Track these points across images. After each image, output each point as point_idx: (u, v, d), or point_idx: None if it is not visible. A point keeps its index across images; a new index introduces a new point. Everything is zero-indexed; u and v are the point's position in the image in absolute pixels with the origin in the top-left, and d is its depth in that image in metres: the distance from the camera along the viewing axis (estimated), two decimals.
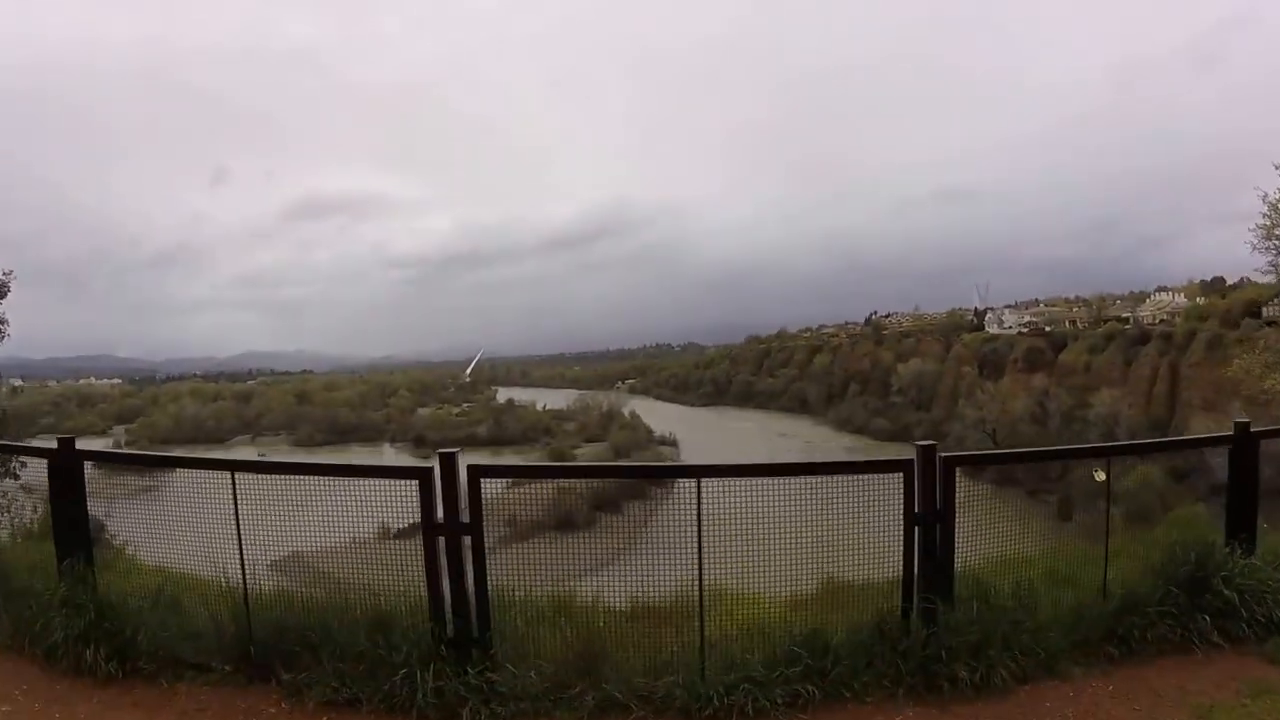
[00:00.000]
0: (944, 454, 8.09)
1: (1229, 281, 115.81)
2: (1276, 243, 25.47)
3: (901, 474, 8.02)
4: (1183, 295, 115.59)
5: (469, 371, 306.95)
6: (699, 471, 8.32)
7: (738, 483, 8.53)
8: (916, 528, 8.09)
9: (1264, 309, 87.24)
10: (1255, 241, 26.09)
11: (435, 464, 8.41)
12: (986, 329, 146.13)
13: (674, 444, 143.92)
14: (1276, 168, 25.01)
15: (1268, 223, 25.36)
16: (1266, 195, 25.77)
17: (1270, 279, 27.81)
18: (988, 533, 8.77)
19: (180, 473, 10.86)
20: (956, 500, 8.27)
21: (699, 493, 8.10)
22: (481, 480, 8.40)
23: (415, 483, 8.67)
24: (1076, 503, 72.62)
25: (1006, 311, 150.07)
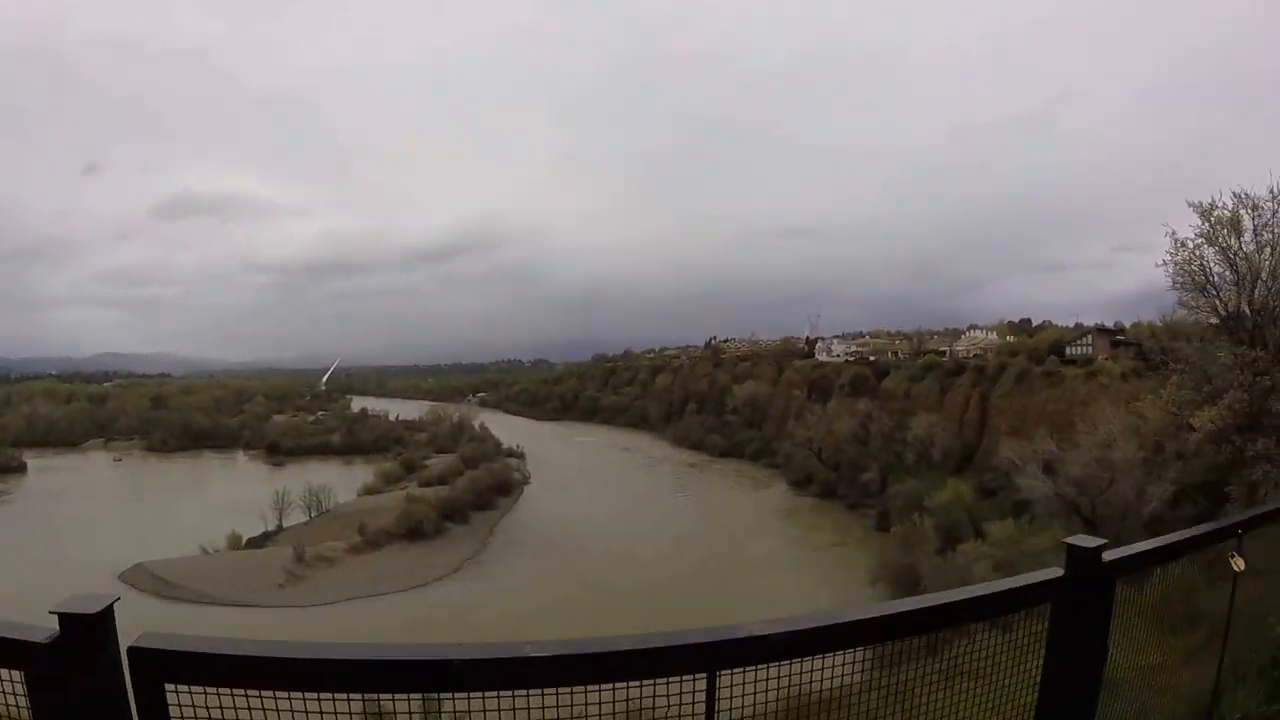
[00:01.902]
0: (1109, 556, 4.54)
1: (1034, 322, 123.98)
2: (1186, 278, 27.21)
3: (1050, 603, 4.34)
4: (994, 333, 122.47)
5: (325, 380, 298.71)
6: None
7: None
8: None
9: (1066, 349, 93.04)
10: (1170, 276, 27.76)
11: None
12: (817, 356, 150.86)
13: (521, 456, 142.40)
14: (1189, 204, 26.94)
15: (1178, 258, 27.07)
16: (1174, 233, 27.59)
17: (1185, 313, 29.44)
18: None
19: None
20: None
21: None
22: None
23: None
24: (894, 516, 76.03)
25: (835, 341, 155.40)
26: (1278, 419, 25.33)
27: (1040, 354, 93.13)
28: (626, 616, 62.06)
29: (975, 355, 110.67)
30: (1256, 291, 25.95)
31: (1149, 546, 5.17)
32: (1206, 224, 26.56)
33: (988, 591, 4.19)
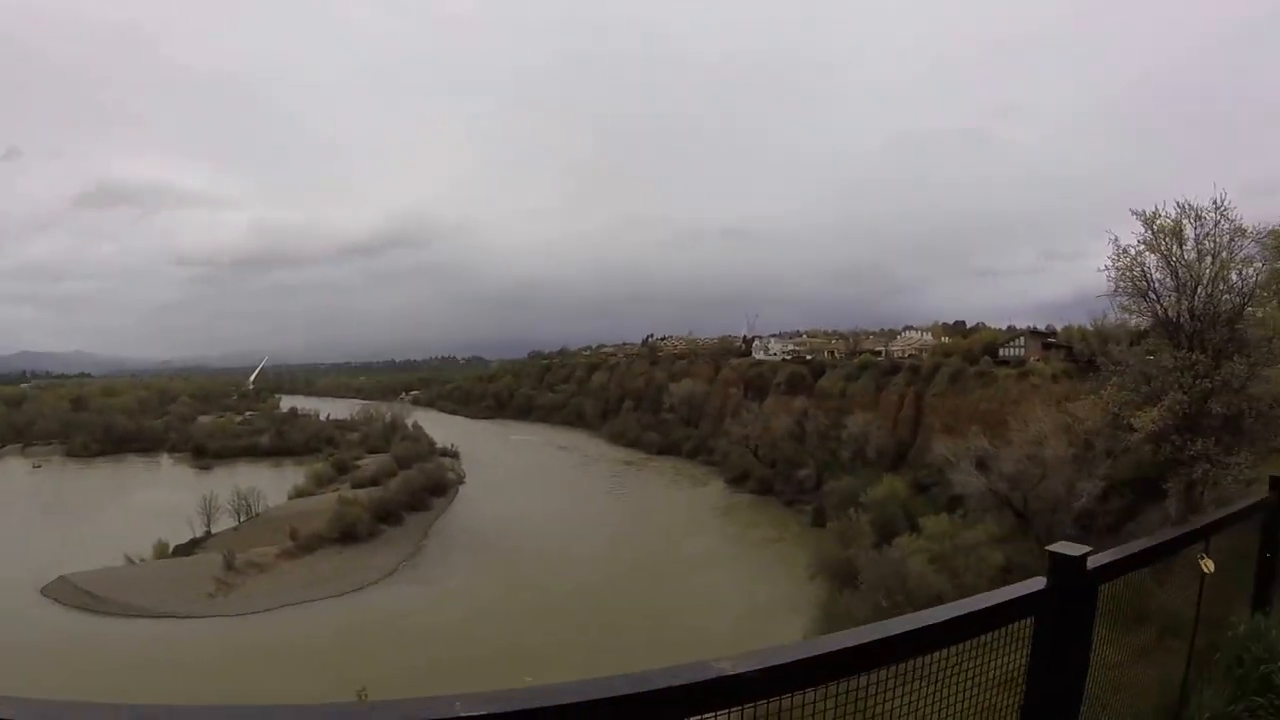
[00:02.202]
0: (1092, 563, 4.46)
1: (968, 325, 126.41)
2: (1128, 283, 27.89)
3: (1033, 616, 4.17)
4: (929, 334, 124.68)
5: (253, 379, 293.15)
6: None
7: None
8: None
9: (1000, 350, 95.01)
10: (1113, 280, 28.41)
11: None
12: (754, 355, 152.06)
13: (456, 455, 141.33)
14: (1132, 212, 27.62)
15: (1120, 264, 27.73)
16: (1117, 239, 28.29)
17: (1129, 316, 30.08)
18: None
19: None
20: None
21: None
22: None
23: None
24: (830, 512, 77.03)
25: (772, 340, 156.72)
26: (1216, 420, 26.24)
27: (974, 355, 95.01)
28: (564, 617, 62.00)
29: (910, 355, 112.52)
30: (1197, 297, 26.82)
31: (1129, 552, 5.19)
32: (1149, 231, 27.36)
33: (970, 610, 3.87)
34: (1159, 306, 27.80)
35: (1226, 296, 26.87)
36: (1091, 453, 56.32)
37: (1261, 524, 7.69)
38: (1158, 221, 27.28)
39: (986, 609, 3.96)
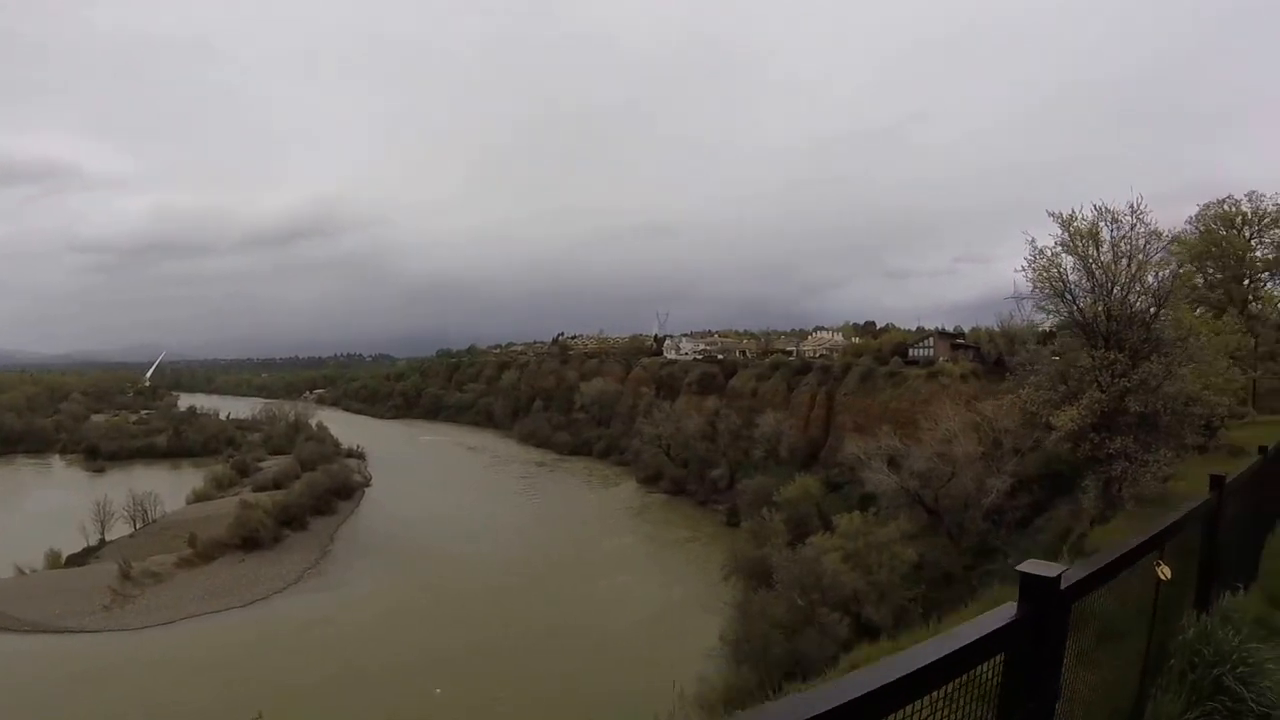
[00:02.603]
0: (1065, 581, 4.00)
1: (878, 325, 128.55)
2: (1045, 284, 28.06)
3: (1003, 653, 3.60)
4: (840, 334, 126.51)
5: (149, 375, 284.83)
6: None
7: None
8: None
9: (910, 350, 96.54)
10: (1031, 281, 28.57)
11: None
12: (665, 354, 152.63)
13: (362, 456, 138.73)
14: (1049, 214, 27.80)
15: (1037, 264, 27.90)
16: (1034, 240, 28.44)
17: (1043, 316, 30.24)
18: None
19: None
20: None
21: None
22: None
23: None
24: (744, 511, 77.16)
25: (684, 339, 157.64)
26: (1133, 418, 26.62)
27: (884, 355, 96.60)
28: (476, 621, 61.05)
29: (821, 355, 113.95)
30: (1113, 298, 27.17)
31: (1098, 565, 4.85)
32: (1065, 233, 27.65)
33: (932, 659, 3.00)
34: (1075, 307, 28.10)
35: (1142, 298, 27.27)
36: (1000, 450, 57.54)
37: (1202, 524, 7.88)
38: (1074, 224, 27.58)
39: (952, 654, 3.16)
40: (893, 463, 60.99)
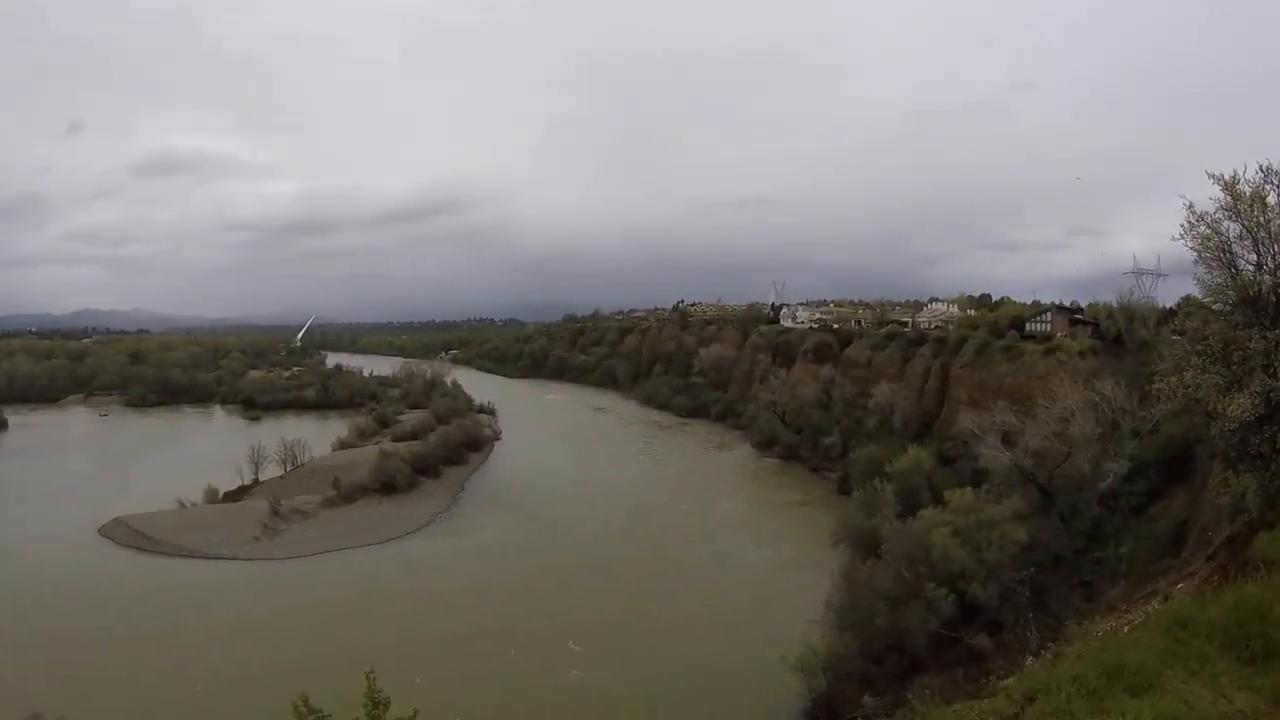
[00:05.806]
0: None
1: (993, 298, 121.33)
2: (1210, 253, 23.63)
3: None
4: (955, 306, 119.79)
5: (300, 336, 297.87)
6: None
7: None
8: None
9: (1026, 324, 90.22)
10: (1196, 250, 24.18)
11: None
12: (781, 322, 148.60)
13: (492, 412, 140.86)
14: (1209, 175, 23.28)
15: (1198, 232, 23.47)
16: (1191, 204, 23.96)
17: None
18: None
19: None
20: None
21: None
22: None
23: None
24: (855, 480, 73.31)
25: (800, 308, 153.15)
26: None
27: (1000, 328, 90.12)
28: (597, 573, 60.31)
29: (937, 327, 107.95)
30: None
31: None
32: (1228, 195, 23.07)
33: None
34: (1245, 280, 23.49)
35: None
36: (1119, 432, 52.41)
37: None
38: (1237, 186, 23.01)
39: None
40: (1007, 439, 56.30)
